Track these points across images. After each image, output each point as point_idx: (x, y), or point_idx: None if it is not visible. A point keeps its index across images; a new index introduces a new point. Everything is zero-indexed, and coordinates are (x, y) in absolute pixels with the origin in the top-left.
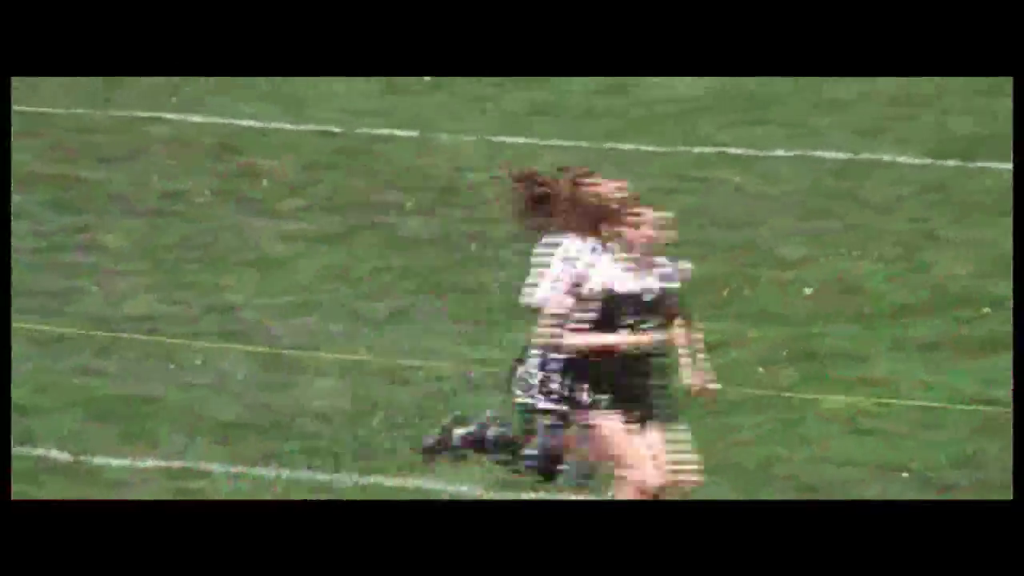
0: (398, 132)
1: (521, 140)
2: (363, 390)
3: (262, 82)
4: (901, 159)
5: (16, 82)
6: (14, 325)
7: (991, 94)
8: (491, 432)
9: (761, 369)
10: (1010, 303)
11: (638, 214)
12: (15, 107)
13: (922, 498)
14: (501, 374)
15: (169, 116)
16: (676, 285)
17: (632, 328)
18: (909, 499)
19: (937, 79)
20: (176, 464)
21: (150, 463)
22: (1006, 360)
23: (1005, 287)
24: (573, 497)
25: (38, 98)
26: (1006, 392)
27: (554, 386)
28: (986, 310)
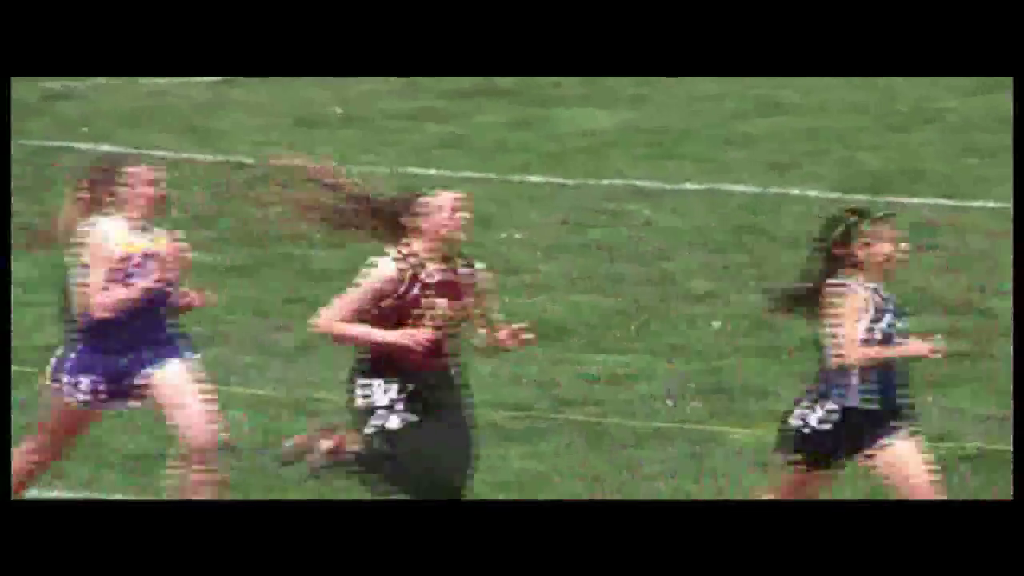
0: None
1: (432, 172)
2: (272, 422)
3: (174, 113)
4: (810, 193)
5: None
6: None
7: (901, 129)
8: None
9: (669, 402)
10: (916, 337)
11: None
12: None
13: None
14: None
15: (79, 146)
16: None
17: None
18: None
19: (846, 114)
20: (82, 495)
21: (55, 494)
22: (914, 395)
23: (913, 323)
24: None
25: None
26: (915, 426)
27: None
28: None
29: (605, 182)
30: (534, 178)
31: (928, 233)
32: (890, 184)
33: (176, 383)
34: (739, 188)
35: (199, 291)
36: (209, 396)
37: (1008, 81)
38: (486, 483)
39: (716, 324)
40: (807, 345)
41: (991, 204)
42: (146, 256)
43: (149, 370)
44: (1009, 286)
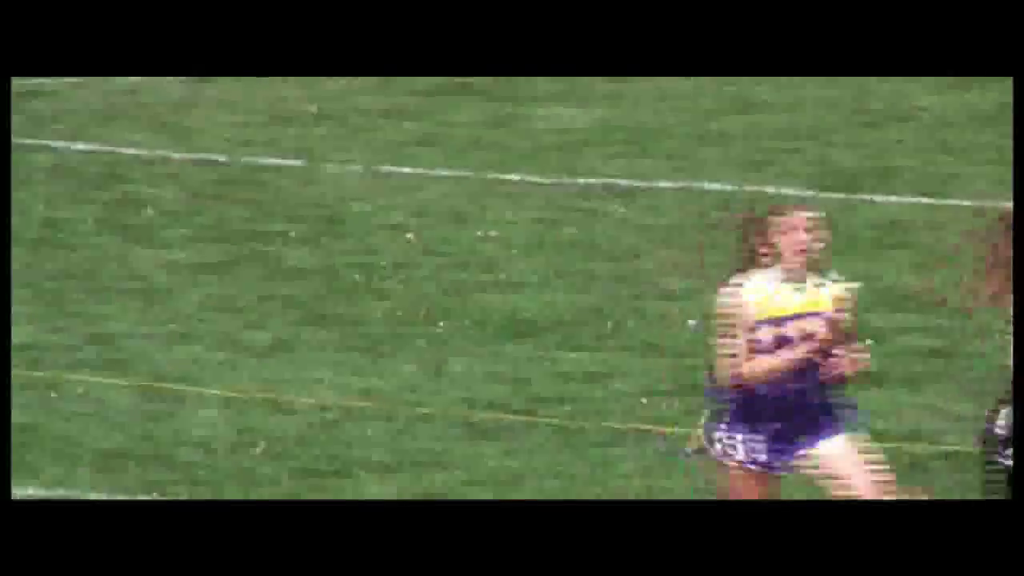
0: (283, 161)
1: (407, 170)
2: (245, 420)
3: (147, 111)
4: (785, 191)
5: None
6: None
7: (875, 126)
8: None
9: (644, 401)
10: (892, 337)
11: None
12: None
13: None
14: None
15: (53, 144)
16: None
17: None
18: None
19: (820, 112)
20: (56, 494)
21: (30, 492)
22: (888, 393)
23: (887, 320)
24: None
25: None
26: (888, 425)
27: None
28: (869, 343)
29: (580, 180)
30: (509, 176)
31: (902, 231)
32: (864, 182)
33: (839, 458)
34: (714, 186)
35: (854, 356)
36: (874, 467)
37: (983, 79)
38: (460, 482)
39: (691, 322)
40: None
41: (965, 202)
42: (799, 317)
43: (809, 445)
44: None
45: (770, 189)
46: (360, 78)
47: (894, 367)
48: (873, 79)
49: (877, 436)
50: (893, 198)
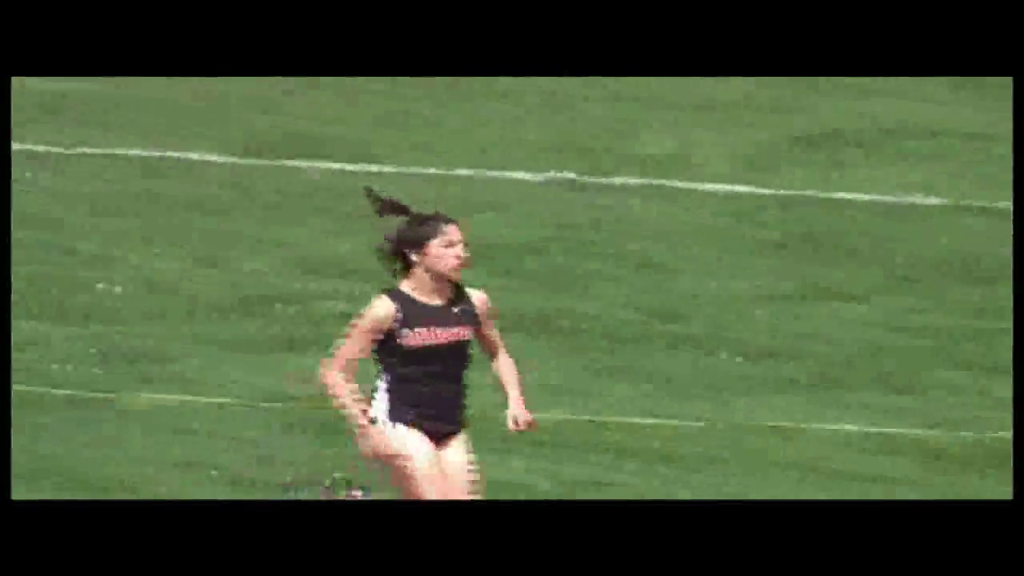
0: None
1: None
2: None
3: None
4: (209, 157)
5: None
6: None
7: (293, 94)
8: None
9: (69, 367)
10: (311, 302)
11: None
12: None
13: (233, 497)
14: None
15: None
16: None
17: None
18: (906, 497)
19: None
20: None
21: None
22: (306, 358)
23: (304, 286)
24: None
25: None
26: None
27: None
28: (283, 308)
29: None
30: None
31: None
32: (286, 148)
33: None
34: (135, 152)
35: None
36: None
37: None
38: None
39: (118, 289)
40: (201, 309)
41: (389, 168)
42: None
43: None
44: None
45: (193, 155)
46: None
47: (310, 332)
48: None
49: (293, 399)
50: (313, 163)
